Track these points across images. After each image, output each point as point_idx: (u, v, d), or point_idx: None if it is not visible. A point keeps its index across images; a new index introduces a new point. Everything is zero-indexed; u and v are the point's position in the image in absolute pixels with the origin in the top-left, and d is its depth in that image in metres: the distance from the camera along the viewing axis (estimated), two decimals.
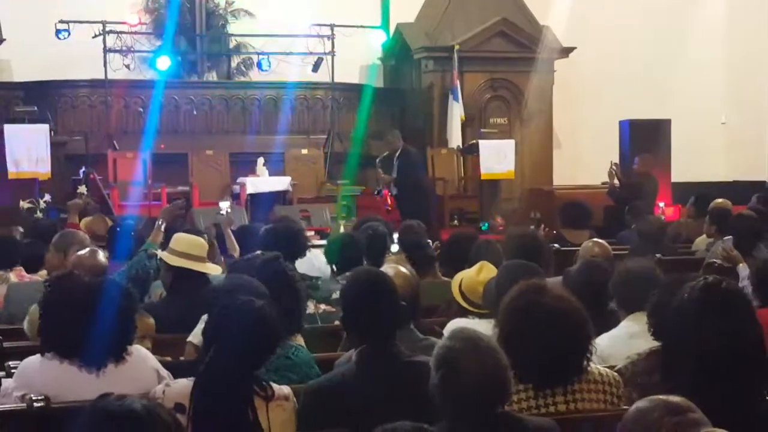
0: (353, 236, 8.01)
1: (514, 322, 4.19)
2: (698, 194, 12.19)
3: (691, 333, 3.75)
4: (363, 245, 7.69)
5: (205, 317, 4.61)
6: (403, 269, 5.66)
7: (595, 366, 4.38)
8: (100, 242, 8.20)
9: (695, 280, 3.94)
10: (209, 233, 8.79)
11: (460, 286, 6.02)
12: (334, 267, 7.71)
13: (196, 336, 5.35)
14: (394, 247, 8.64)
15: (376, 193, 16.58)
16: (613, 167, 14.99)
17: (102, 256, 6.65)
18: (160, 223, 7.67)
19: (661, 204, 15.44)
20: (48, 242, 7.97)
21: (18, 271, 7.65)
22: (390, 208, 15.82)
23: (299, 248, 7.44)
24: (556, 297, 4.25)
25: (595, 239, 7.88)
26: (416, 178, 16.14)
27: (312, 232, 12.66)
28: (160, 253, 6.83)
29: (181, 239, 6.71)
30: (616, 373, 4.45)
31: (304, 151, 17.50)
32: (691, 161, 19.03)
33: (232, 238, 9.28)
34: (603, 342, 5.16)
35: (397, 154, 16.06)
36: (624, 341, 5.27)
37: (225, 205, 13.65)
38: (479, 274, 6.00)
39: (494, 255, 6.94)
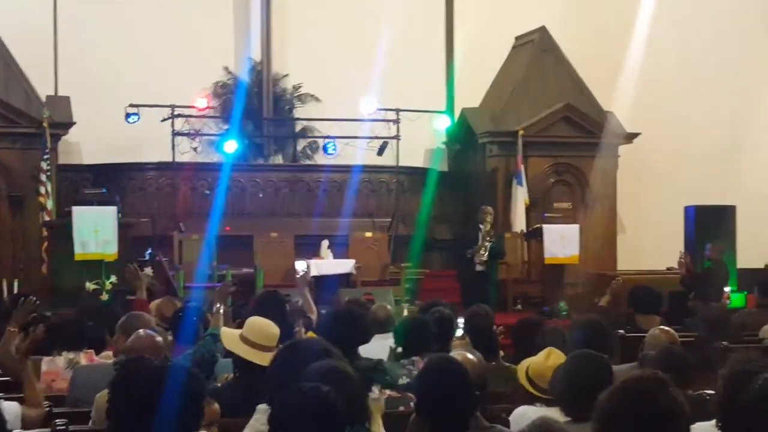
0: (424, 320, 7.90)
1: (621, 417, 3.69)
2: (763, 281, 12.00)
3: (762, 429, 3.65)
4: (433, 330, 7.62)
5: (261, 407, 4.57)
6: (471, 356, 5.63)
7: None
8: (167, 325, 8.23)
9: (764, 371, 3.83)
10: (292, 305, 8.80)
11: (527, 372, 5.97)
12: (399, 349, 7.63)
13: (252, 427, 5.31)
14: (459, 332, 8.59)
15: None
16: (682, 257, 14.77)
17: (159, 337, 6.65)
18: (218, 306, 7.66)
19: (727, 289, 15.28)
20: (110, 324, 8.01)
21: (89, 354, 7.69)
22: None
23: (364, 334, 7.39)
24: (672, 398, 3.77)
25: (663, 327, 7.79)
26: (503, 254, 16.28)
27: None
28: (225, 338, 6.74)
29: (254, 327, 6.51)
30: None
31: (368, 234, 17.51)
32: (757, 247, 18.82)
33: (309, 299, 9.40)
34: None
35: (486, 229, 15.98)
36: None
37: (302, 266, 13.67)
38: (548, 359, 5.94)
39: (560, 342, 6.88)
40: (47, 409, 6.48)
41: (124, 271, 10.58)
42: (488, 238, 15.72)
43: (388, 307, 9.32)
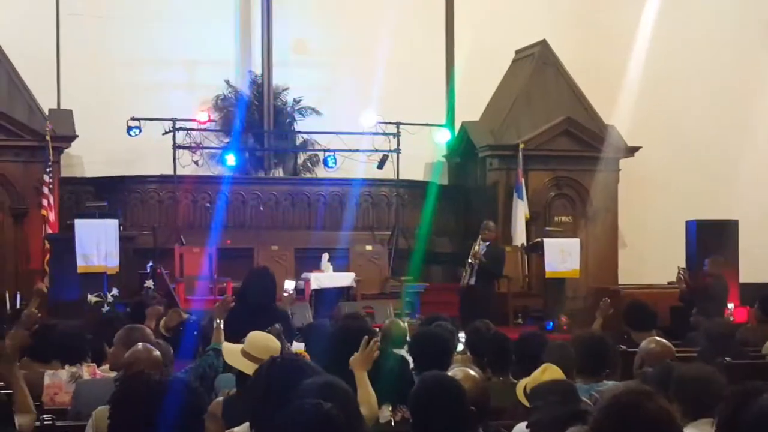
0: (440, 334, 7.67)
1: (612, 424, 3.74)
2: (763, 297, 11.92)
3: None
4: (451, 345, 7.41)
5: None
6: (471, 372, 5.59)
7: None
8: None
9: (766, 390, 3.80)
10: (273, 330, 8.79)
11: (525, 388, 5.97)
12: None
13: None
14: (459, 346, 8.53)
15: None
16: (681, 272, 14.72)
17: (157, 351, 6.61)
18: (218, 322, 7.61)
19: (730, 306, 15.20)
20: (108, 337, 7.97)
21: (91, 367, 7.66)
22: None
23: None
24: (660, 407, 3.74)
25: (655, 338, 7.66)
26: (497, 272, 15.93)
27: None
28: (226, 352, 6.69)
29: (255, 342, 6.41)
30: None
31: (369, 248, 17.51)
32: (760, 262, 18.79)
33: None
34: None
35: (487, 244, 15.63)
36: None
37: (290, 285, 13.69)
38: (543, 374, 5.93)
39: (568, 357, 6.79)
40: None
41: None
42: (471, 260, 15.38)
43: (402, 323, 9.19)
